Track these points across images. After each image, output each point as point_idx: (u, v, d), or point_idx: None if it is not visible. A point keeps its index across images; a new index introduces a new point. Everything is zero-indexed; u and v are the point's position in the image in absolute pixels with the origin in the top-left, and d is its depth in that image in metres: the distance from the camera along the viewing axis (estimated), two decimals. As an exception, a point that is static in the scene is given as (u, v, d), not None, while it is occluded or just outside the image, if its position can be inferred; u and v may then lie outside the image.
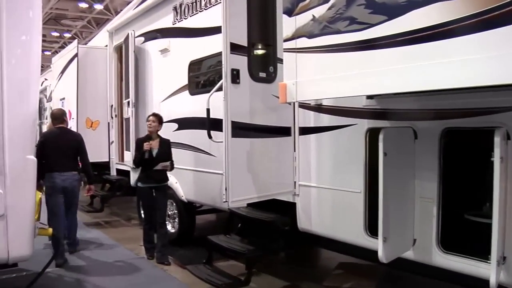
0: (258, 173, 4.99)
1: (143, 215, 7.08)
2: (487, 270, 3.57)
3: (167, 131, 6.63)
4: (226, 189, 4.67)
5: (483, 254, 3.69)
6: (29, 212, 4.60)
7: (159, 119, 6.64)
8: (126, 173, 9.51)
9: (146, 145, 6.37)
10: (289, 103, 4.64)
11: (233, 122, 4.67)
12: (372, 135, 4.51)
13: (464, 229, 4.20)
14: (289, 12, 4.03)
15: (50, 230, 4.91)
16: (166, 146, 6.60)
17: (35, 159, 4.62)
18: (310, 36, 3.77)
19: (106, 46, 10.16)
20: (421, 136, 4.12)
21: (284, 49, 4.09)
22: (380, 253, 3.83)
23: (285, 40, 4.06)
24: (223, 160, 4.73)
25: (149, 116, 6.70)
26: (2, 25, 4.35)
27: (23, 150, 4.55)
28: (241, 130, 4.76)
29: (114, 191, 9.72)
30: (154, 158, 6.40)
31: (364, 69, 3.40)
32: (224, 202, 4.73)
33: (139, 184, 6.63)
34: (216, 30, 6.32)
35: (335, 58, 3.59)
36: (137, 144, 6.63)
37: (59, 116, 6.88)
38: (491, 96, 3.55)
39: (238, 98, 4.74)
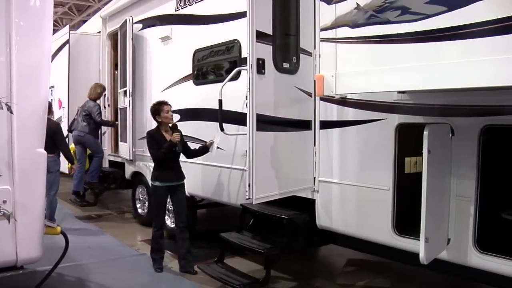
0: (280, 168, 4.78)
1: (155, 218, 6.08)
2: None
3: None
4: (249, 185, 4.42)
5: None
6: (39, 210, 4.33)
7: (171, 107, 5.95)
8: (118, 165, 9.27)
9: (176, 136, 5.62)
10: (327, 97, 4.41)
11: (257, 115, 4.42)
12: (403, 131, 4.35)
13: (504, 229, 4.07)
14: (328, 0, 3.81)
15: (59, 228, 4.60)
16: (182, 137, 5.91)
17: (45, 152, 4.33)
18: (354, 25, 3.56)
19: (99, 32, 9.79)
20: (458, 133, 3.95)
21: (321, 38, 3.87)
22: (421, 255, 3.66)
23: (323, 29, 3.85)
24: (247, 155, 4.49)
25: (162, 105, 5.87)
26: (12, 7, 4.04)
27: (33, 142, 4.26)
28: (265, 123, 4.51)
29: (108, 184, 9.39)
30: (177, 152, 5.79)
31: (416, 62, 3.21)
32: (247, 199, 4.50)
33: (157, 183, 5.84)
34: (226, 18, 6.14)
35: (383, 49, 3.40)
36: (153, 138, 5.84)
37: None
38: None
39: (263, 90, 4.48)
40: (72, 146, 9.03)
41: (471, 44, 2.98)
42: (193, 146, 6.24)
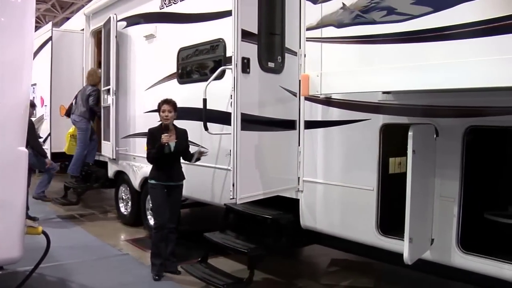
0: (265, 168, 4.75)
1: (155, 218, 6.03)
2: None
3: (152, 121, 6.25)
4: (233, 185, 4.40)
5: (508, 255, 3.60)
6: (20, 209, 4.25)
7: (174, 107, 5.69)
8: (101, 164, 9.19)
9: (164, 138, 5.42)
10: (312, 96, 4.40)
11: (242, 114, 4.39)
12: (387, 131, 4.35)
13: (487, 229, 4.10)
14: (314, -1, 3.81)
15: (40, 228, 4.54)
16: (184, 137, 5.78)
17: (27, 150, 4.26)
18: (339, 25, 3.56)
19: (82, 30, 9.69)
20: (443, 134, 3.95)
21: (307, 38, 3.86)
22: (405, 255, 3.66)
23: (308, 29, 3.84)
24: (231, 154, 4.46)
25: (162, 104, 5.68)
26: (-8, 3, 3.98)
27: (14, 141, 4.19)
28: (250, 123, 4.49)
29: (91, 183, 9.29)
30: (172, 153, 5.58)
31: (401, 63, 3.21)
32: (231, 199, 4.47)
33: (153, 182, 5.73)
34: (211, 16, 6.11)
35: (369, 50, 3.40)
36: (151, 136, 5.69)
37: None
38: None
39: (247, 89, 4.45)
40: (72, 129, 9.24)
41: (456, 45, 3.00)
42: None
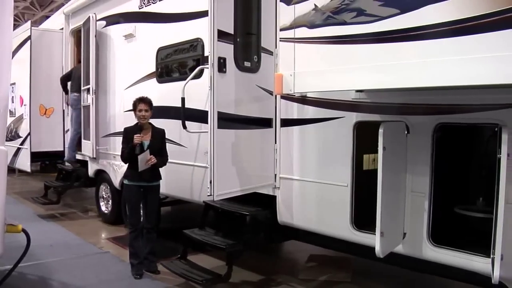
0: (241, 165, 4.85)
1: (128, 218, 5.97)
2: (480, 263, 3.63)
3: (132, 120, 6.29)
4: (210, 182, 4.48)
5: (476, 248, 3.74)
6: (-1, 208, 4.25)
7: (150, 105, 5.56)
8: (81, 163, 9.18)
9: (136, 138, 5.35)
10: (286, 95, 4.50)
11: (219, 113, 4.47)
12: (361, 129, 4.47)
13: (457, 223, 4.23)
14: (288, 0, 3.90)
15: (20, 226, 4.55)
16: (159, 136, 5.66)
17: (6, 150, 4.28)
18: (311, 26, 3.65)
19: (62, 29, 9.68)
20: (413, 131, 4.08)
21: (280, 38, 3.96)
22: (377, 248, 3.79)
23: (282, 29, 3.93)
24: (208, 152, 4.54)
25: (139, 103, 5.54)
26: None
27: (-8, 140, 4.20)
28: (226, 121, 4.58)
29: (72, 182, 9.28)
30: (144, 152, 5.43)
31: (372, 62, 3.32)
32: (209, 195, 4.55)
33: (126, 182, 5.66)
34: (189, 16, 6.18)
35: (340, 50, 3.50)
36: (126, 135, 5.57)
37: None
38: (488, 93, 3.55)
39: (224, 88, 4.55)
40: None
41: (423, 45, 3.10)
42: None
